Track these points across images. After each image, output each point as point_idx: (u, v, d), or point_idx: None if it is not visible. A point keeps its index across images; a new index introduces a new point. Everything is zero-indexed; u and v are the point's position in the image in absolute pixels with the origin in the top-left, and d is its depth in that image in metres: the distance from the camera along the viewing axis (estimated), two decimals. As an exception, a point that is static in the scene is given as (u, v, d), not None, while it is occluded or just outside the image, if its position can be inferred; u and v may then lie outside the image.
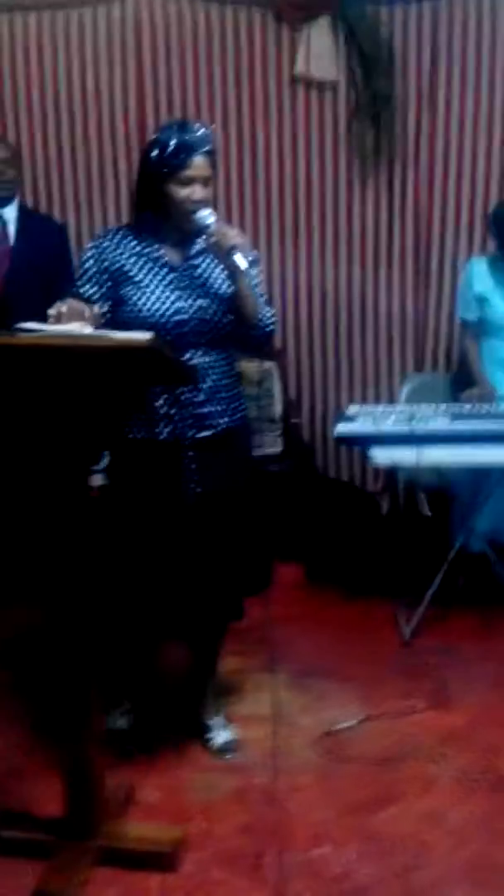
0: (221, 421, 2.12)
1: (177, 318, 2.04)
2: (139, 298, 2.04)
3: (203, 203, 2.02)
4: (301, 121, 3.50)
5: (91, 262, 2.07)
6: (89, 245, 2.13)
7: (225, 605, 2.24)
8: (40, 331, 1.80)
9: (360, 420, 2.78)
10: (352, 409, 2.91)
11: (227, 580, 2.19)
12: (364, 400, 3.44)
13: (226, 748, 2.30)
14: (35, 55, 3.43)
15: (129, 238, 2.09)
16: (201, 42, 3.44)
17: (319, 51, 3.40)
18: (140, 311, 2.03)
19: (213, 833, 2.01)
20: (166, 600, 2.13)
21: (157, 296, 2.04)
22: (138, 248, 2.08)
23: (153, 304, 2.04)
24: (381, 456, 2.71)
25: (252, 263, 2.06)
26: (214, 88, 3.47)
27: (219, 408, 2.11)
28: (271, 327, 2.16)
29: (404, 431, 2.65)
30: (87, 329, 1.81)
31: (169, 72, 3.46)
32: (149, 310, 2.03)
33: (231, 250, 1.98)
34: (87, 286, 2.05)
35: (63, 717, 1.87)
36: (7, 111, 3.46)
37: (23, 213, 3.01)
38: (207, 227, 2.00)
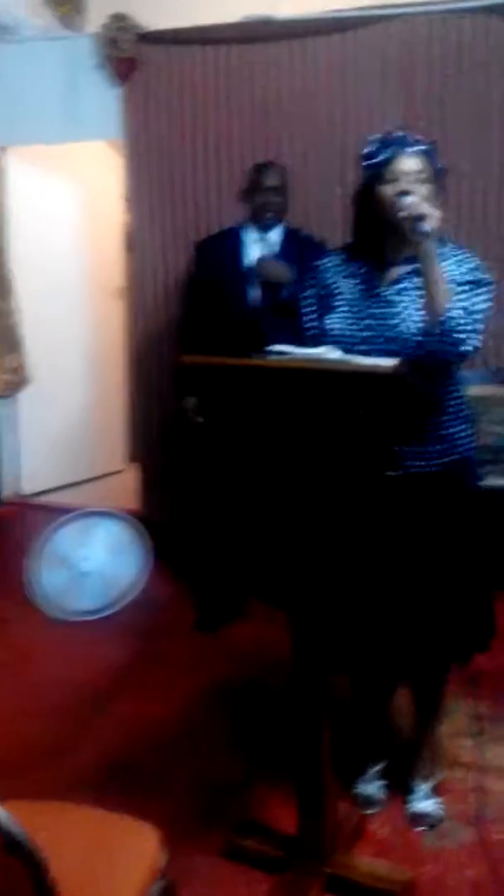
0: (425, 462, 1.94)
1: (364, 346, 1.90)
2: (330, 319, 1.98)
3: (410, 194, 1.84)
4: None
5: (310, 290, 2.05)
6: (310, 274, 2.08)
7: (440, 648, 2.04)
8: (289, 353, 1.84)
9: None
10: None
11: (442, 621, 1.98)
12: None
13: (422, 819, 2.12)
14: (306, 77, 3.52)
15: (341, 258, 2.03)
16: (465, 54, 3.34)
17: None
18: (331, 331, 1.96)
19: (444, 882, 1.91)
20: (381, 636, 1.99)
21: (348, 319, 1.96)
22: (344, 269, 2.01)
23: (345, 327, 1.96)
24: None
25: (478, 284, 1.89)
26: (475, 98, 3.33)
27: (426, 446, 1.94)
28: (461, 346, 1.83)
29: None
30: (335, 353, 1.81)
31: (430, 84, 3.39)
32: (341, 331, 1.95)
33: (417, 220, 1.79)
34: (308, 313, 2.04)
35: (299, 739, 1.88)
36: (278, 132, 3.57)
37: (287, 233, 3.09)
38: (408, 207, 1.82)
